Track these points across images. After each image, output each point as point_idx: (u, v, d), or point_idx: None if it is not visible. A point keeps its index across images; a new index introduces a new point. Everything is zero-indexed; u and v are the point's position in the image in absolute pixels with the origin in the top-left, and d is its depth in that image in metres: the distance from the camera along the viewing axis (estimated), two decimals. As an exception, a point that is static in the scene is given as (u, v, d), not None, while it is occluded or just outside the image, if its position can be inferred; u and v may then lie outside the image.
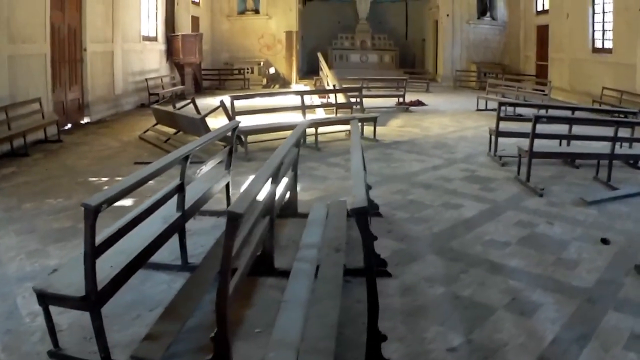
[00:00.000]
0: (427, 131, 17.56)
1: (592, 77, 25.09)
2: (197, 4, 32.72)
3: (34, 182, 11.16)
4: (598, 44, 25.55)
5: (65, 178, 11.29)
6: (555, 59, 29.58)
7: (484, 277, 6.77)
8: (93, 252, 4.52)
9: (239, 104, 14.99)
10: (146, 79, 23.91)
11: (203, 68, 32.01)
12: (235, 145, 9.15)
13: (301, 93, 16.77)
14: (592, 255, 7.56)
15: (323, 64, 25.41)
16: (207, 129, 12.56)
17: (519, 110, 19.24)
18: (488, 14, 35.54)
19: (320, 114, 18.88)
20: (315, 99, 21.09)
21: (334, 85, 21.59)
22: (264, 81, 33.51)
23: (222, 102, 15.12)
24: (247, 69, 34.02)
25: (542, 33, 31.18)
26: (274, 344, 4.54)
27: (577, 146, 12.95)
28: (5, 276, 6.65)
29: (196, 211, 7.37)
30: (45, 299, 4.78)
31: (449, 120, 19.61)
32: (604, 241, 8.06)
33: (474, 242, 7.92)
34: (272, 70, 34.47)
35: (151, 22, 26.21)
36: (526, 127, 11.84)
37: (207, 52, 33.70)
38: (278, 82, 33.51)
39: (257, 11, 35.68)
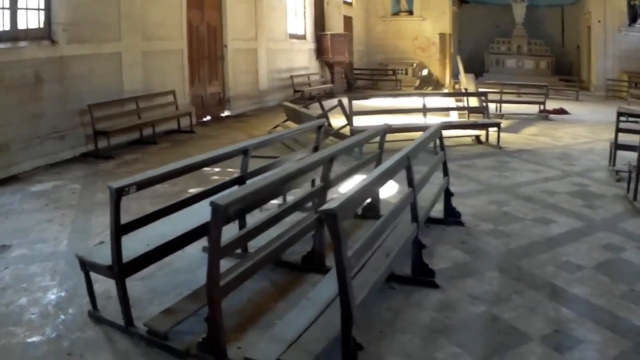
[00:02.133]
0: (557, 141, 16.37)
1: None
2: (350, 4, 32.53)
3: (149, 168, 11.09)
4: None
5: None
6: None
7: (538, 301, 6.02)
8: (118, 230, 4.93)
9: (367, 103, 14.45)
10: (291, 76, 23.83)
11: (357, 68, 32.11)
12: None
13: (423, 95, 15.98)
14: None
15: (460, 67, 24.38)
16: (325, 130, 12.20)
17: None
18: (639, 20, 32.82)
19: (453, 117, 18.18)
20: (451, 102, 20.08)
21: (465, 89, 20.58)
22: (417, 83, 32.62)
23: (340, 101, 14.82)
24: (400, 70, 33.44)
25: None
26: (269, 337, 4.57)
27: None
28: (87, 248, 6.83)
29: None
30: (85, 265, 5.33)
31: (585, 131, 18.04)
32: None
33: (547, 263, 7.13)
34: (424, 72, 33.65)
35: (299, 21, 26.46)
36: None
37: (363, 53, 33.76)
38: (430, 84, 32.53)
39: (410, 12, 35.16)
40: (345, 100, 14.93)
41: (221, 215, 4.39)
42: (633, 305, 6.05)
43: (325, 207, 4.15)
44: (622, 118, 13.34)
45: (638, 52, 32.64)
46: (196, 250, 7.03)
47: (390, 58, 34.61)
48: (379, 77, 33.18)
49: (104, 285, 5.78)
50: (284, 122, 15.73)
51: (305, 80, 25.43)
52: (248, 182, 6.62)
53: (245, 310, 5.63)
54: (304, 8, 26.82)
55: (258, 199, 5.39)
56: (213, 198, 4.56)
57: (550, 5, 39.62)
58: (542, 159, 13.62)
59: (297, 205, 6.21)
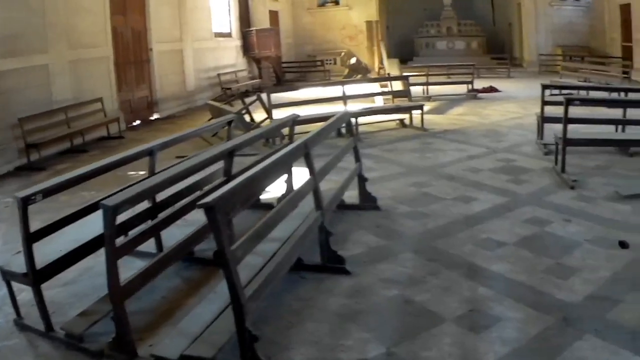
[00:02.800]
0: (485, 119, 16.43)
1: None
2: None
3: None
4: None
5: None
6: (638, 40, 27.49)
7: (454, 281, 6.01)
8: (28, 237, 5.02)
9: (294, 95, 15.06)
10: (218, 75, 24.01)
11: (285, 61, 32.38)
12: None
13: (342, 83, 15.93)
14: (599, 262, 6.37)
15: (384, 53, 24.44)
16: (245, 124, 12.52)
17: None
18: None
19: (379, 102, 18.10)
20: (377, 88, 20.02)
21: (388, 74, 20.60)
22: (346, 71, 32.68)
23: (258, 95, 14.87)
24: (329, 60, 33.64)
25: (626, 12, 29.00)
26: (175, 332, 4.70)
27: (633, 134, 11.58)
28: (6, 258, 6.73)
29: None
30: (5, 275, 5.40)
31: (515, 107, 18.28)
32: (623, 245, 6.78)
33: (465, 241, 7.11)
34: (353, 61, 33.68)
35: (225, 19, 26.78)
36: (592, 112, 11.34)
37: (291, 46, 34.05)
38: (360, 72, 32.52)
39: (337, 2, 35.39)
40: (275, 95, 14.99)
41: (111, 216, 4.52)
42: (558, 279, 5.95)
43: (204, 200, 4.15)
44: (554, 91, 13.45)
45: (572, 25, 33.42)
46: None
47: (319, 49, 34.86)
48: (307, 68, 33.44)
49: (30, 293, 5.60)
50: (208, 120, 15.53)
51: (233, 78, 25.60)
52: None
53: (159, 308, 5.67)
54: (229, 6, 27.09)
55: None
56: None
57: None
58: (468, 138, 13.67)
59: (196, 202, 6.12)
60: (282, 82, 29.85)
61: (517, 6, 35.28)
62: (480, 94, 21.72)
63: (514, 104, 19.07)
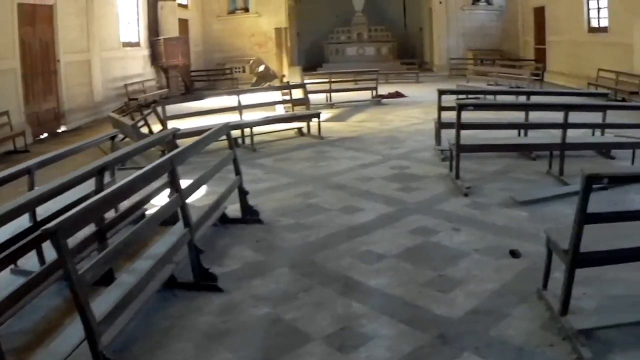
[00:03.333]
0: (386, 125, 16.46)
1: (588, 59, 24.15)
2: (185, 6, 32.36)
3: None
4: (594, 23, 24.63)
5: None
6: (553, 42, 28.76)
7: (327, 297, 5.84)
8: None
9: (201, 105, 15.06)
10: (125, 85, 23.67)
11: (194, 70, 32.17)
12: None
13: (238, 93, 15.65)
14: (487, 273, 6.23)
15: (285, 61, 24.35)
16: (141, 137, 11.93)
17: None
18: None
19: (280, 111, 17.82)
20: (279, 96, 19.85)
21: (287, 82, 20.56)
22: (254, 79, 32.60)
23: (154, 107, 14.61)
24: (237, 68, 33.50)
25: (539, 15, 30.20)
26: (44, 354, 4.66)
27: (535, 137, 11.67)
28: None
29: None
30: None
31: (419, 112, 18.34)
32: (514, 254, 6.65)
33: (345, 255, 6.94)
34: (261, 68, 33.51)
35: (133, 28, 26.54)
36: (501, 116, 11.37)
37: (200, 54, 33.90)
38: (268, 79, 32.45)
39: (247, 9, 35.27)
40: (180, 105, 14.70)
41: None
42: (439, 293, 5.78)
43: (47, 225, 4.04)
44: (461, 96, 13.39)
45: (484, 29, 34.30)
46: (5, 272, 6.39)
47: (228, 57, 34.69)
48: (216, 77, 33.33)
49: None
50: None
51: (140, 88, 25.30)
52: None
53: (39, 327, 5.46)
54: (137, 15, 26.81)
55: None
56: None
57: None
58: (365, 145, 13.60)
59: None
60: (191, 91, 29.63)
61: (429, 11, 35.91)
62: (385, 100, 21.92)
63: (418, 109, 19.17)
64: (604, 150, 11.46)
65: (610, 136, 11.65)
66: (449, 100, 11.76)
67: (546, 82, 26.66)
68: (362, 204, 8.85)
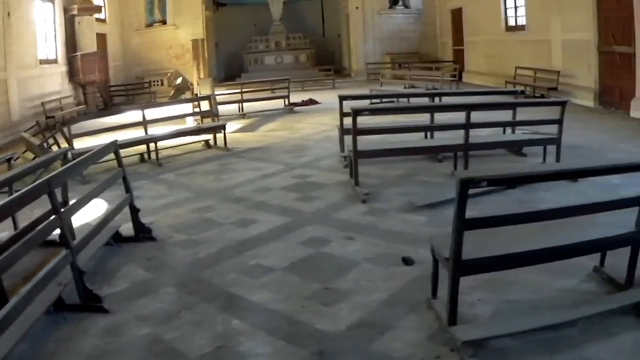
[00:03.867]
0: (295, 133, 16.41)
1: (507, 58, 24.78)
2: (104, 20, 31.81)
3: None
4: (511, 22, 25.29)
5: None
6: (471, 42, 29.50)
7: (208, 315, 5.71)
8: None
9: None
10: (42, 103, 23.15)
11: (113, 84, 31.78)
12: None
13: (142, 107, 15.32)
14: (376, 283, 6.11)
15: (195, 73, 24.16)
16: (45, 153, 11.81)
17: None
18: (400, 2, 35.22)
19: (190, 123, 17.56)
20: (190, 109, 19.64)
21: (196, 94, 20.51)
22: (172, 92, 32.35)
23: (59, 125, 14.52)
24: (156, 81, 33.20)
25: (457, 17, 30.93)
26: None
27: (441, 139, 11.48)
28: None
29: None
30: None
31: (330, 119, 17.99)
32: (406, 261, 6.53)
33: (232, 270, 6.80)
34: (179, 81, 33.23)
35: (50, 45, 26.09)
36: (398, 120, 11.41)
37: (119, 68, 33.50)
38: (184, 91, 32.25)
39: (164, 22, 34.95)
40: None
41: None
42: (323, 306, 5.62)
43: None
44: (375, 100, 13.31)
45: (402, 32, 34.78)
46: None
47: (146, 70, 34.35)
48: (135, 91, 32.90)
49: None
50: (23, 152, 14.70)
51: (58, 105, 24.82)
52: None
53: None
54: (55, 31, 26.30)
55: None
56: None
57: None
58: (270, 155, 13.48)
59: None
60: (109, 107, 29.32)
61: (346, 17, 36.33)
62: (298, 108, 21.87)
63: (329, 116, 19.02)
64: (516, 148, 11.54)
65: (520, 134, 11.75)
66: (360, 105, 11.66)
67: (464, 83, 27.09)
68: (257, 216, 8.71)
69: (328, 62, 38.08)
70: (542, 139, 10.86)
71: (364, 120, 10.80)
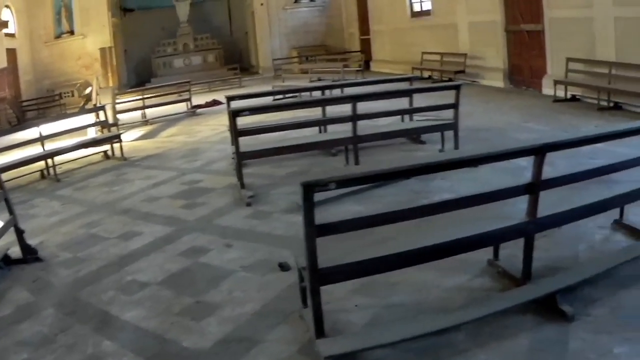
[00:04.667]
0: (193, 137, 16.21)
1: (414, 44, 24.98)
2: (13, 35, 31.10)
3: None
4: (417, 8, 25.56)
5: None
6: (377, 31, 29.67)
7: (81, 336, 5.47)
8: None
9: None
10: None
11: (25, 99, 31.14)
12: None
13: (37, 124, 14.76)
14: (250, 293, 5.93)
15: (94, 84, 23.82)
16: None
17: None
18: None
19: (91, 134, 17.10)
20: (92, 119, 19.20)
21: (94, 105, 20.18)
22: (82, 103, 31.89)
23: None
24: (67, 93, 32.71)
25: (362, 7, 31.03)
26: None
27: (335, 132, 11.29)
28: None
29: None
30: None
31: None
32: (282, 267, 6.36)
33: (109, 287, 6.56)
34: (88, 90, 32.83)
35: None
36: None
37: (31, 82, 32.92)
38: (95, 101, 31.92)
39: (72, 32, 34.36)
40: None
41: None
42: (192, 321, 5.44)
43: None
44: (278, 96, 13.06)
45: (308, 26, 34.94)
46: None
47: (57, 82, 33.78)
48: (46, 104, 32.29)
49: None
50: None
51: None
52: None
53: None
54: None
55: None
56: None
57: None
58: (165, 162, 13.26)
59: None
60: (22, 122, 28.81)
61: (252, 14, 36.18)
62: (201, 110, 21.61)
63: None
64: (414, 136, 11.52)
65: (417, 121, 11.75)
66: (247, 104, 11.52)
67: (372, 72, 27.03)
68: (141, 228, 8.49)
69: (236, 61, 37.87)
70: (437, 125, 10.82)
71: (269, 118, 10.66)
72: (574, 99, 15.43)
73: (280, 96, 17.00)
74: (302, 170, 10.44)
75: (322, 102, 11.63)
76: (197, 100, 22.45)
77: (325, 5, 35.32)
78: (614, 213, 6.52)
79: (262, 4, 34.52)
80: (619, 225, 6.67)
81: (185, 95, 22.01)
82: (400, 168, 4.86)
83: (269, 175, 10.21)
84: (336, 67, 23.35)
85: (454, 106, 10.39)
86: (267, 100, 15.05)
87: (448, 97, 10.55)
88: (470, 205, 5.01)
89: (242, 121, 10.33)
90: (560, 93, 15.52)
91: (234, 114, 9.38)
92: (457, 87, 10.46)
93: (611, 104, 13.94)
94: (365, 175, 4.86)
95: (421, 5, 25.09)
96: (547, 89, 16.27)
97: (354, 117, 9.63)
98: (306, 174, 9.86)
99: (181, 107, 21.69)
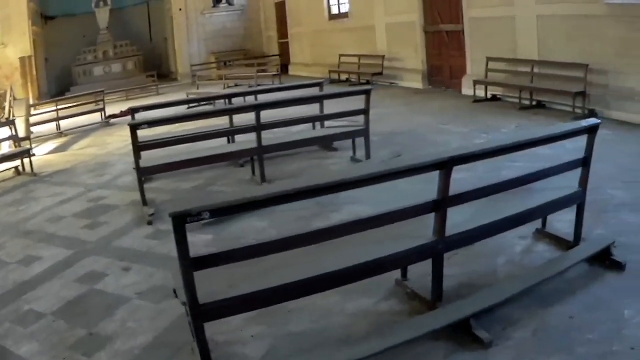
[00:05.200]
0: (103, 149, 15.80)
1: (332, 47, 25.11)
2: None
3: None
4: (334, 10, 25.73)
5: None
6: (295, 34, 29.79)
7: None
8: None
9: None
10: None
11: None
12: None
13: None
14: (143, 322, 5.76)
15: (7, 94, 23.22)
16: None
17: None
18: (224, 0, 34.90)
19: (5, 148, 16.62)
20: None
21: (7, 119, 19.52)
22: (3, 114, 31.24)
23: None
24: None
25: (281, 9, 31.13)
26: None
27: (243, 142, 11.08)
28: None
29: None
30: None
31: (142, 130, 17.51)
32: (177, 293, 6.08)
33: (6, 318, 6.24)
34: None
35: None
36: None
37: None
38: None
39: None
40: None
41: None
42: (83, 356, 5.25)
43: None
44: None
45: (226, 30, 34.71)
46: None
47: None
48: None
49: None
50: None
51: None
52: None
53: None
54: None
55: None
56: None
57: (135, 4, 40.35)
58: (73, 177, 12.85)
59: None
60: None
61: (171, 19, 35.80)
62: (115, 119, 21.14)
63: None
64: (327, 143, 11.52)
65: (329, 128, 11.71)
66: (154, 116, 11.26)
67: (291, 76, 27.00)
68: (42, 252, 8.16)
69: (156, 68, 37.47)
70: (347, 132, 10.77)
71: (182, 127, 10.45)
72: (495, 98, 15.62)
73: (195, 104, 16.80)
74: (207, 183, 10.35)
75: (228, 112, 11.50)
76: (113, 109, 22.00)
77: (243, 8, 35.11)
78: (536, 220, 6.44)
79: (180, 9, 34.21)
80: (542, 234, 6.60)
81: (99, 105, 21.55)
82: (277, 193, 4.48)
83: (173, 190, 10.04)
84: (247, 73, 23.27)
85: (364, 112, 10.34)
86: (181, 109, 14.86)
87: (359, 102, 10.53)
88: (370, 227, 4.83)
89: (155, 131, 10.17)
90: (481, 93, 15.76)
91: (133, 128, 9.14)
92: (367, 92, 10.43)
93: (534, 103, 14.15)
94: (240, 202, 4.44)
95: (339, 7, 25.23)
96: (467, 89, 16.50)
97: (258, 127, 9.54)
98: (210, 187, 9.95)
99: (96, 117, 21.18)
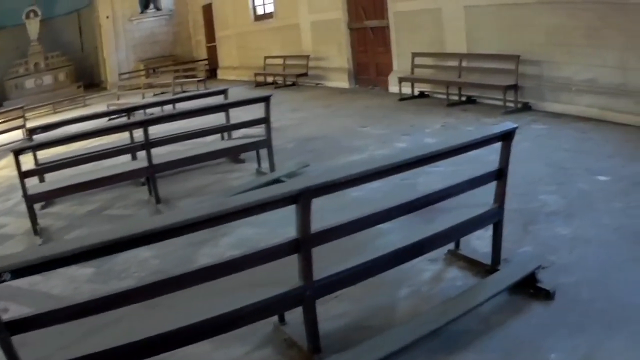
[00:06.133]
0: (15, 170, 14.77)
1: (258, 49, 24.87)
2: None
3: None
4: (260, 11, 25.57)
5: None
6: (222, 37, 29.52)
7: None
8: None
9: None
10: None
11: None
12: None
13: None
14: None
15: None
16: None
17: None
18: (152, 5, 34.45)
19: None
20: None
21: None
22: None
23: None
24: None
25: (208, 12, 30.83)
26: None
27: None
28: None
29: None
30: None
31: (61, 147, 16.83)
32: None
33: None
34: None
35: None
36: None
37: None
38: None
39: None
40: None
41: None
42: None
43: None
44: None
45: (154, 36, 34.26)
46: None
47: None
48: None
49: None
50: None
51: None
52: None
53: None
54: None
55: None
56: None
57: (66, 14, 39.53)
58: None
59: None
60: None
61: (100, 28, 35.28)
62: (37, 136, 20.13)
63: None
64: (228, 156, 11.11)
65: (233, 140, 11.42)
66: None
67: (219, 80, 26.66)
68: None
69: (88, 78, 36.97)
70: (248, 144, 10.36)
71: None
72: (423, 95, 15.36)
73: (116, 116, 16.35)
74: (104, 206, 9.83)
75: (120, 128, 10.84)
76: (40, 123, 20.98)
77: (172, 13, 34.66)
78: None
79: (107, 17, 33.70)
80: (455, 256, 5.89)
81: (19, 122, 20.74)
82: (109, 242, 3.82)
83: (69, 215, 9.53)
84: (177, 80, 22.71)
85: (265, 120, 9.93)
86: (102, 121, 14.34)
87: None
88: (229, 274, 4.05)
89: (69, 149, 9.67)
90: (407, 90, 15.40)
91: (17, 153, 8.78)
92: (266, 99, 9.97)
93: (463, 98, 13.91)
94: (57, 257, 3.58)
95: (264, 7, 25.03)
96: (394, 87, 16.22)
97: (147, 145, 9.08)
98: (106, 210, 9.55)
99: (18, 135, 20.24)
